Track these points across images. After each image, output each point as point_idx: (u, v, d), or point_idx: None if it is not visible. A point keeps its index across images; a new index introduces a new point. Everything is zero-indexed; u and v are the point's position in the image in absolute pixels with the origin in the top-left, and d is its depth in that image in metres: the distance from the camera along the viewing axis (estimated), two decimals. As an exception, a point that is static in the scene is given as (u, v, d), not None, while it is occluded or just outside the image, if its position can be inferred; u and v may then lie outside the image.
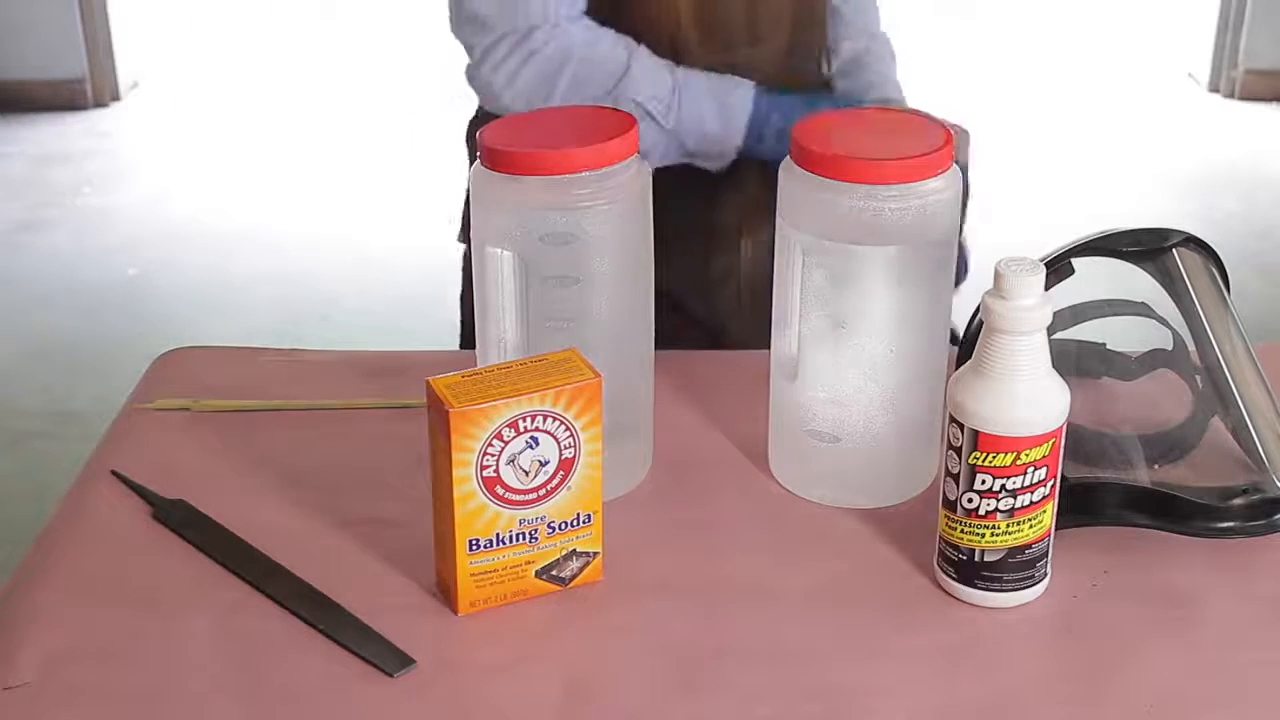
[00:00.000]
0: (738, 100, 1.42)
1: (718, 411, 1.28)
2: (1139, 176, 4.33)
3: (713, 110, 1.42)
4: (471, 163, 1.58)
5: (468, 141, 1.62)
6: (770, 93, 1.43)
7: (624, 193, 1.11)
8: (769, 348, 1.15)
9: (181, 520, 1.13)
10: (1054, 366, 1.00)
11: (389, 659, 0.99)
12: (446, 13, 1.46)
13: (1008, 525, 1.01)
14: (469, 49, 1.43)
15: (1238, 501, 1.10)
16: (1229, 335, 1.19)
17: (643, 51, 1.42)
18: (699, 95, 1.42)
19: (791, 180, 1.09)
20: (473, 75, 1.44)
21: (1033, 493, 1.00)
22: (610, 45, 1.41)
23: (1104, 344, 1.28)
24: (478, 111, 1.57)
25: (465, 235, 1.62)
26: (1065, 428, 1.00)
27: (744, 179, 1.48)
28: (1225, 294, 1.22)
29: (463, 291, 1.66)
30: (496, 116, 1.54)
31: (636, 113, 1.38)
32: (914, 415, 1.14)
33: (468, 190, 1.60)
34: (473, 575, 1.02)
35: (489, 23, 1.40)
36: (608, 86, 1.39)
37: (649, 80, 1.40)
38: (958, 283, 1.43)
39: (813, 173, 1.07)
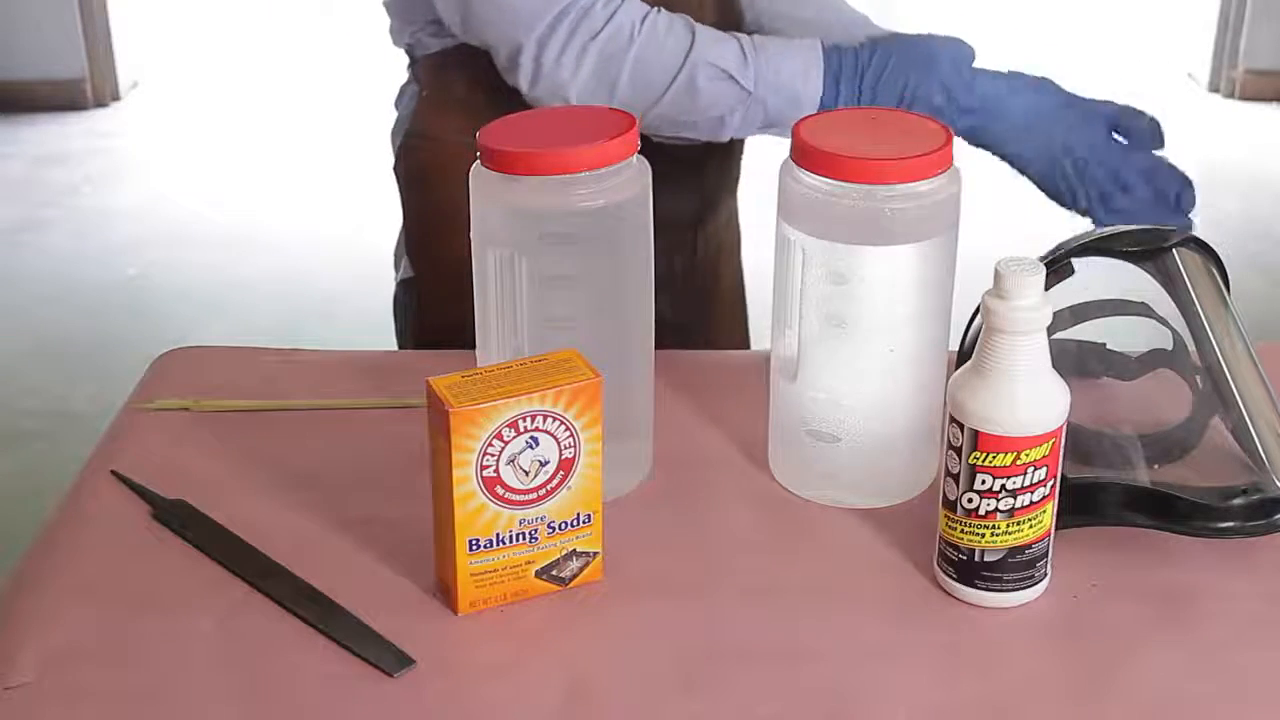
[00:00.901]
0: (808, 50, 1.37)
1: (718, 411, 1.28)
2: (1139, 176, 4.32)
3: (789, 63, 1.36)
4: (404, 197, 1.57)
5: (399, 173, 1.55)
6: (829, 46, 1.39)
7: (624, 193, 1.11)
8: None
9: (182, 520, 1.13)
10: (1054, 366, 1.00)
11: (389, 659, 0.99)
12: (455, 15, 1.39)
13: (1008, 525, 1.01)
14: (514, 50, 1.34)
15: (1238, 501, 1.09)
16: (1229, 335, 1.19)
17: (700, 24, 1.37)
18: (772, 52, 1.36)
19: (791, 180, 1.09)
20: (534, 77, 1.34)
21: (1033, 493, 1.00)
22: (668, 17, 1.35)
23: (1104, 344, 1.28)
24: (407, 139, 1.52)
25: (403, 274, 1.61)
26: (1065, 428, 1.00)
27: (693, 174, 1.47)
28: (1225, 294, 1.22)
29: (399, 328, 1.64)
30: (425, 141, 1.52)
31: (714, 76, 1.34)
32: (914, 415, 1.14)
33: (404, 225, 1.59)
34: (473, 575, 1.02)
35: (539, 8, 1.32)
36: (679, 59, 1.34)
37: (718, 44, 1.35)
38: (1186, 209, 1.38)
39: (813, 173, 1.07)
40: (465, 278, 1.40)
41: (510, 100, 1.38)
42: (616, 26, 1.33)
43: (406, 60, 1.54)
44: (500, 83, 1.40)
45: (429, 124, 1.50)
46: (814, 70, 1.36)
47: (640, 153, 1.13)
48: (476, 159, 1.12)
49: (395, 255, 1.63)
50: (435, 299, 1.56)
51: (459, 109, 1.47)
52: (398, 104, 1.58)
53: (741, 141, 1.62)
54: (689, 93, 1.34)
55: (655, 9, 1.36)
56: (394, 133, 1.57)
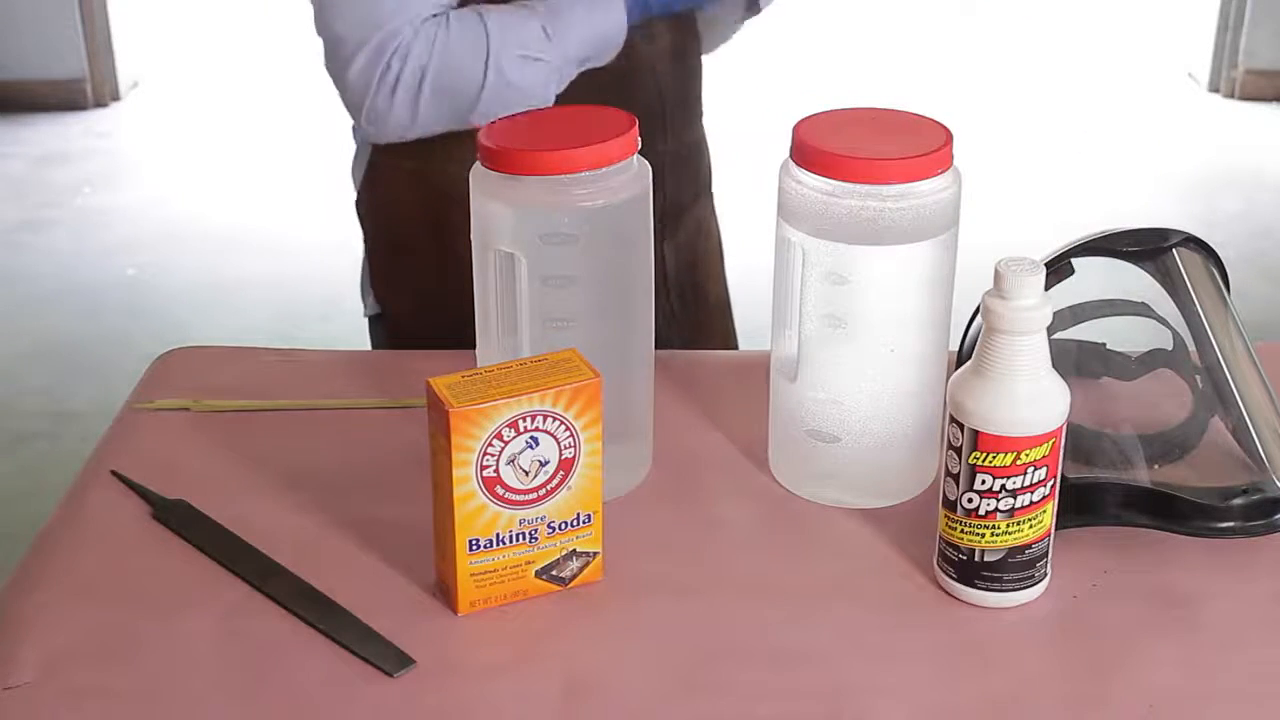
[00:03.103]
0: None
1: (718, 411, 1.28)
2: (1139, 176, 4.33)
3: (586, 15, 1.39)
4: (368, 231, 1.57)
5: (364, 206, 1.56)
6: None
7: (624, 193, 1.11)
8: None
9: (181, 520, 1.13)
10: (1054, 366, 1.00)
11: (389, 659, 0.99)
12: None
13: (1008, 525, 1.01)
14: (353, 101, 1.38)
15: (1238, 501, 1.10)
16: (1229, 335, 1.19)
17: (496, 11, 1.37)
18: (568, 12, 1.38)
19: (791, 180, 1.09)
20: (378, 111, 1.37)
21: (1033, 493, 1.00)
22: (458, 24, 1.36)
23: (1104, 344, 1.28)
24: (370, 170, 1.52)
25: (370, 309, 1.61)
26: (1065, 428, 1.00)
27: (656, 181, 1.47)
28: (1225, 294, 1.22)
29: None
30: (388, 173, 1.52)
31: (521, 65, 1.36)
32: (914, 415, 1.14)
33: (368, 260, 1.59)
34: (473, 575, 1.02)
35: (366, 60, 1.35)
36: (480, 66, 1.35)
37: (514, 29, 1.37)
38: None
39: (813, 173, 1.07)
40: (432, 309, 1.40)
41: (459, 130, 1.39)
42: (424, 56, 1.35)
43: None
44: None
45: (387, 154, 1.50)
46: (614, 8, 1.39)
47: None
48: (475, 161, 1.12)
49: (361, 290, 1.63)
50: (404, 331, 1.57)
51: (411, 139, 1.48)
52: (355, 132, 1.57)
53: (704, 145, 1.62)
54: (504, 86, 1.36)
55: (443, 20, 1.36)
56: (354, 167, 1.57)
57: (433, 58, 1.35)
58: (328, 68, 1.40)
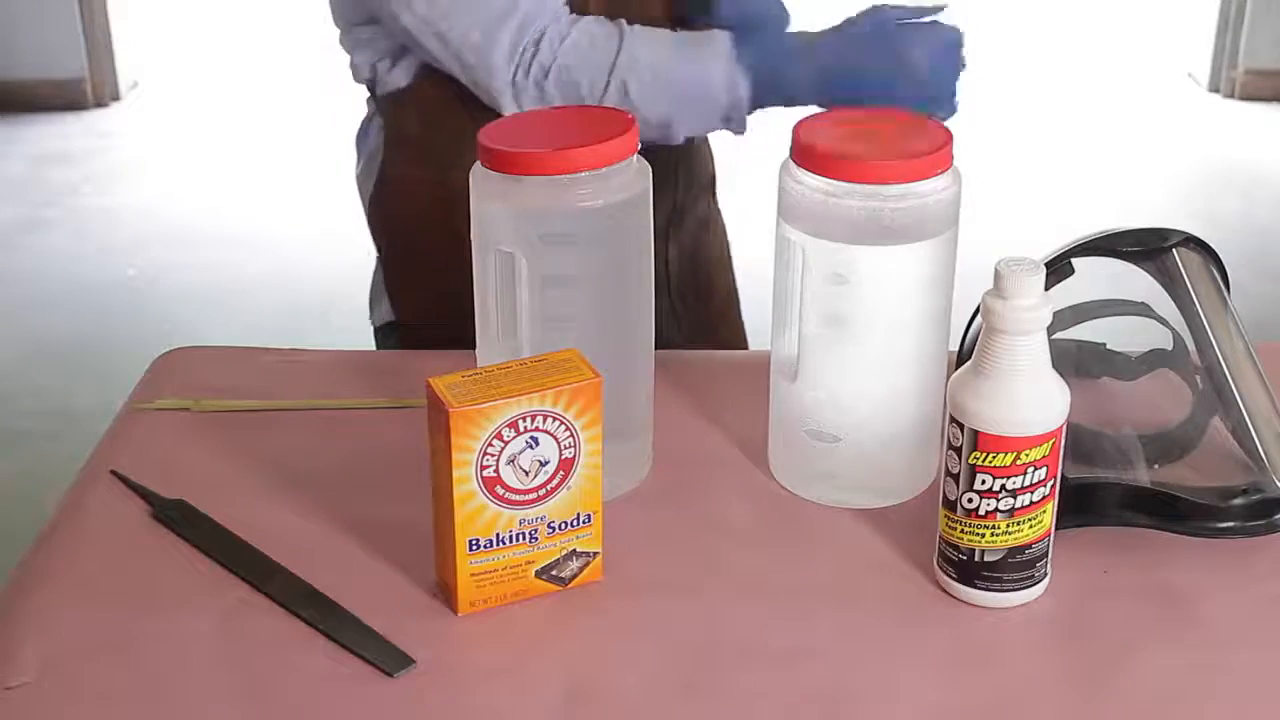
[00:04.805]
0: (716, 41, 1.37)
1: (718, 411, 1.28)
2: (1138, 176, 4.33)
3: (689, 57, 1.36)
4: (383, 241, 1.56)
5: (377, 217, 1.55)
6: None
7: (624, 193, 1.11)
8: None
9: (181, 520, 1.13)
10: (1054, 366, 1.00)
11: (389, 659, 0.99)
12: (427, 43, 1.39)
13: (1008, 525, 1.01)
14: (488, 88, 1.36)
15: (1238, 501, 1.10)
16: (1229, 335, 1.19)
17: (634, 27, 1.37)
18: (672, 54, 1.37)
19: (791, 180, 1.09)
20: (519, 90, 1.36)
21: (1033, 493, 1.00)
22: (591, 29, 1.36)
23: (1104, 344, 1.28)
24: (380, 183, 1.52)
25: (381, 318, 1.61)
26: (1065, 428, 1.00)
27: (664, 182, 1.47)
28: (1225, 294, 1.22)
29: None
30: (399, 183, 1.52)
31: (647, 80, 1.35)
32: (914, 415, 1.14)
33: (380, 269, 1.59)
34: (473, 575, 1.02)
35: (503, 51, 1.35)
36: (604, 71, 1.34)
37: (650, 46, 1.36)
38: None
39: (813, 173, 1.07)
40: (448, 317, 1.40)
41: (473, 135, 1.38)
42: (548, 56, 1.34)
43: (368, 94, 1.54)
44: (461, 118, 1.39)
45: (399, 163, 1.50)
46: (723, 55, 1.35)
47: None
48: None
49: (370, 299, 1.62)
50: (420, 338, 1.57)
51: (424, 145, 1.47)
52: (360, 143, 1.57)
53: (706, 141, 1.62)
54: (621, 103, 1.34)
55: (579, 21, 1.36)
56: (362, 177, 1.56)
57: (556, 58, 1.35)
58: (465, 60, 1.37)
